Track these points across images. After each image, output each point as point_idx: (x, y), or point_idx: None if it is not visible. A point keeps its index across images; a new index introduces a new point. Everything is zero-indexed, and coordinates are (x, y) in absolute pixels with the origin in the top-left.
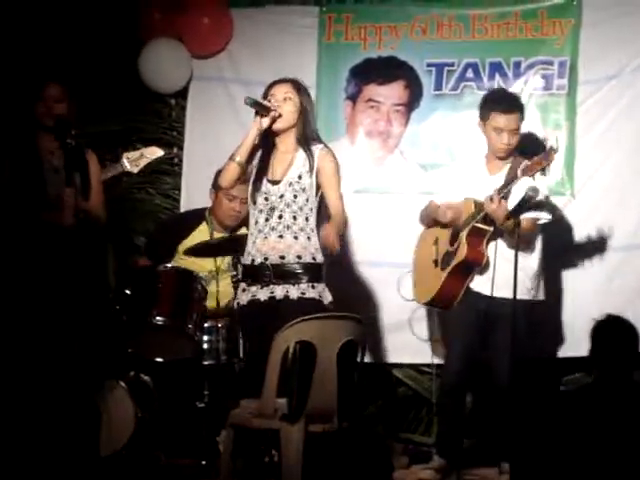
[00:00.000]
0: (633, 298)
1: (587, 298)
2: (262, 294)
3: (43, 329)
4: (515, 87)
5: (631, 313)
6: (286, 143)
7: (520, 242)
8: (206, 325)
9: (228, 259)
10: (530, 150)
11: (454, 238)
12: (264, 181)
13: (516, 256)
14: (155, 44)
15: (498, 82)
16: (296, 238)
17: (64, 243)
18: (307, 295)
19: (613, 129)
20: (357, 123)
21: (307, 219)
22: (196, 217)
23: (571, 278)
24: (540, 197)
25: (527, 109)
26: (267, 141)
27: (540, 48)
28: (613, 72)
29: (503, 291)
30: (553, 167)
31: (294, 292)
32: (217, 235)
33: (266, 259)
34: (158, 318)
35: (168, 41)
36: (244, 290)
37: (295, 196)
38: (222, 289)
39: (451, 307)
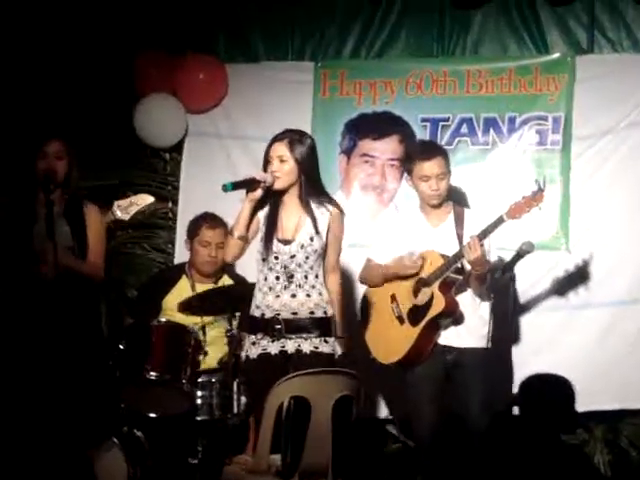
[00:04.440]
0: (623, 355)
1: (579, 353)
2: (273, 348)
3: (34, 383)
4: (510, 142)
5: (619, 370)
6: (292, 199)
7: (483, 291)
8: (200, 380)
9: None
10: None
11: (417, 291)
12: (274, 240)
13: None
14: (150, 99)
15: (492, 137)
16: (309, 296)
17: (47, 297)
18: (320, 349)
19: (608, 184)
20: (352, 177)
21: (317, 276)
22: (176, 272)
23: (562, 331)
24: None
25: (522, 164)
26: (274, 197)
27: (534, 104)
28: (607, 128)
29: (469, 341)
30: (548, 222)
31: (307, 346)
32: (199, 287)
33: (278, 314)
34: (152, 373)
35: (163, 96)
36: (254, 343)
37: (307, 257)
38: (209, 340)
39: (419, 364)
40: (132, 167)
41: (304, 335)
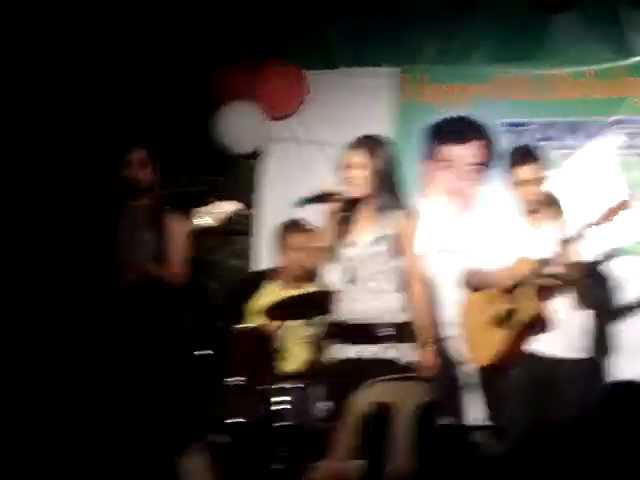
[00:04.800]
0: None
1: None
2: (344, 353)
3: (118, 390)
4: (593, 146)
5: None
6: (367, 205)
7: (577, 297)
8: (281, 385)
9: None
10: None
11: (511, 296)
12: (343, 243)
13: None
14: (231, 107)
15: (575, 141)
16: (374, 299)
17: (130, 304)
18: (383, 355)
19: None
20: (432, 182)
21: (386, 280)
22: (263, 276)
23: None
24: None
25: (606, 168)
26: (351, 203)
27: (618, 107)
28: None
29: (560, 351)
30: (634, 226)
31: (370, 352)
32: (286, 292)
33: (346, 318)
34: (234, 379)
35: (244, 104)
36: (331, 348)
37: (371, 260)
38: (292, 346)
39: (508, 369)
40: (213, 174)
41: (370, 340)
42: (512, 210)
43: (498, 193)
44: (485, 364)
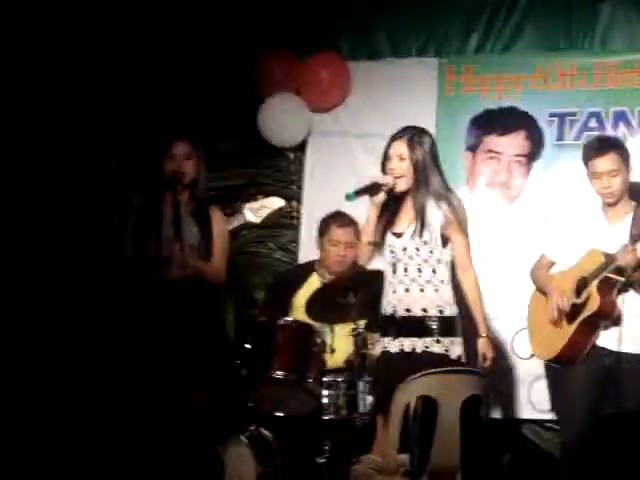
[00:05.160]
0: None
1: None
2: (393, 346)
3: (160, 384)
4: None
5: None
6: (411, 195)
7: None
8: (326, 379)
9: None
10: None
11: (580, 290)
12: (389, 234)
13: None
14: (274, 99)
15: (622, 131)
16: (422, 290)
17: (173, 298)
18: (431, 349)
19: None
20: (477, 174)
21: (434, 271)
22: (306, 269)
23: None
24: None
25: None
26: (396, 195)
27: None
28: None
29: (630, 346)
30: None
31: (420, 346)
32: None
33: (395, 311)
34: (278, 372)
35: (287, 96)
36: (378, 342)
37: (417, 249)
38: (339, 339)
39: (575, 363)
40: (256, 167)
41: (417, 334)
42: (583, 204)
43: (545, 185)
44: (550, 358)
